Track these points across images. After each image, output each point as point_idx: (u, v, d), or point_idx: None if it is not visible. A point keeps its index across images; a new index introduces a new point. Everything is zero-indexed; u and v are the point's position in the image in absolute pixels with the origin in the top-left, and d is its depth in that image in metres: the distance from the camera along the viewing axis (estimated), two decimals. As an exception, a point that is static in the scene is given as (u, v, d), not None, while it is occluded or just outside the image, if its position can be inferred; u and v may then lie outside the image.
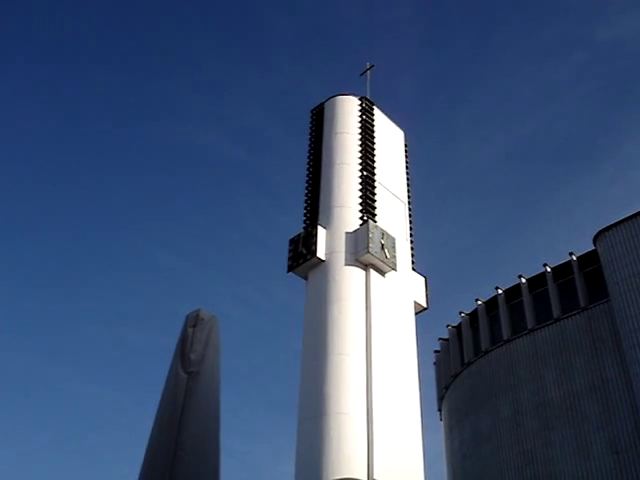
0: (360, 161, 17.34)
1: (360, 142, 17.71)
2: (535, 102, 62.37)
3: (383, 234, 15.98)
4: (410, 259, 17.21)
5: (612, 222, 24.17)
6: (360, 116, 18.27)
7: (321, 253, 15.64)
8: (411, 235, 17.76)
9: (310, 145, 18.33)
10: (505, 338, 25.96)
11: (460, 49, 62.93)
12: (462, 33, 62.88)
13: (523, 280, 26.69)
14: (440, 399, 29.42)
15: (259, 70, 63.65)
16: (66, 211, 60.21)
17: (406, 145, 19.54)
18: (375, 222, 16.18)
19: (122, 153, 61.48)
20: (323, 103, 18.86)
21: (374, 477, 13.05)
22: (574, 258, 25.60)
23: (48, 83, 59.34)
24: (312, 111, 19.03)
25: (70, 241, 60.83)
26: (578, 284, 24.87)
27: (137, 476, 4.76)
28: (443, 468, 28.05)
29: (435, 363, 30.64)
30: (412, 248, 17.51)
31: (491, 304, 27.58)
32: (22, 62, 58.43)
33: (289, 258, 16.11)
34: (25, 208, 58.63)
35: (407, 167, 19.11)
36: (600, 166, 62.85)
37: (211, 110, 63.52)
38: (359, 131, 17.95)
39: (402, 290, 16.35)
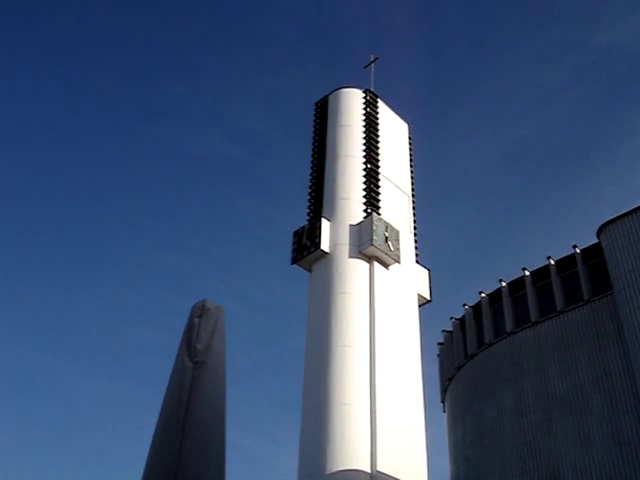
0: (364, 153, 17.33)
1: (364, 134, 17.70)
2: (532, 105, 62.56)
3: (387, 227, 16.00)
4: (414, 252, 17.22)
5: (615, 215, 24.18)
6: (364, 108, 18.25)
7: (325, 245, 15.66)
8: (415, 228, 17.75)
9: (314, 137, 18.31)
10: (508, 331, 25.97)
11: (458, 52, 63.04)
12: (460, 37, 62.96)
13: (527, 273, 26.68)
14: (443, 391, 29.47)
15: (259, 71, 63.76)
16: (69, 209, 60.50)
17: (410, 137, 19.51)
18: (379, 215, 16.20)
19: (125, 153, 61.75)
20: (327, 96, 18.83)
21: (377, 469, 13.10)
22: (578, 251, 25.58)
23: (48, 83, 59.44)
24: (316, 104, 18.99)
25: (73, 239, 61.12)
26: (582, 277, 24.86)
27: (144, 466, 4.81)
28: (446, 460, 28.17)
29: (438, 355, 30.68)
30: (416, 241, 17.51)
31: (495, 297, 27.58)
32: (23, 62, 58.53)
33: (293, 250, 16.13)
34: (29, 206, 58.90)
35: (411, 159, 19.10)
36: (598, 168, 63.17)
37: (212, 111, 63.70)
38: (363, 123, 17.94)
39: (406, 282, 16.38)
